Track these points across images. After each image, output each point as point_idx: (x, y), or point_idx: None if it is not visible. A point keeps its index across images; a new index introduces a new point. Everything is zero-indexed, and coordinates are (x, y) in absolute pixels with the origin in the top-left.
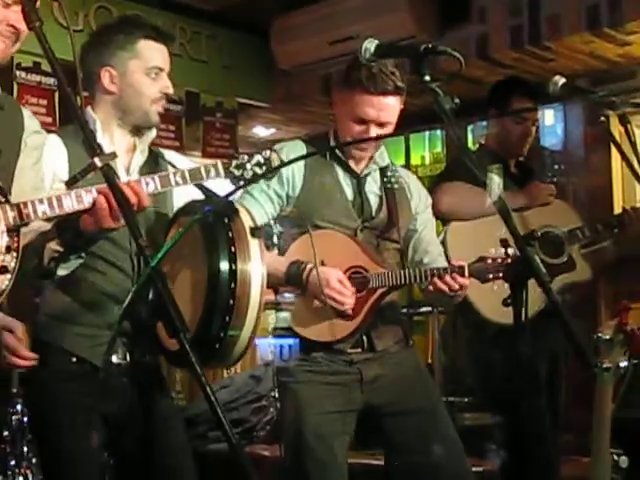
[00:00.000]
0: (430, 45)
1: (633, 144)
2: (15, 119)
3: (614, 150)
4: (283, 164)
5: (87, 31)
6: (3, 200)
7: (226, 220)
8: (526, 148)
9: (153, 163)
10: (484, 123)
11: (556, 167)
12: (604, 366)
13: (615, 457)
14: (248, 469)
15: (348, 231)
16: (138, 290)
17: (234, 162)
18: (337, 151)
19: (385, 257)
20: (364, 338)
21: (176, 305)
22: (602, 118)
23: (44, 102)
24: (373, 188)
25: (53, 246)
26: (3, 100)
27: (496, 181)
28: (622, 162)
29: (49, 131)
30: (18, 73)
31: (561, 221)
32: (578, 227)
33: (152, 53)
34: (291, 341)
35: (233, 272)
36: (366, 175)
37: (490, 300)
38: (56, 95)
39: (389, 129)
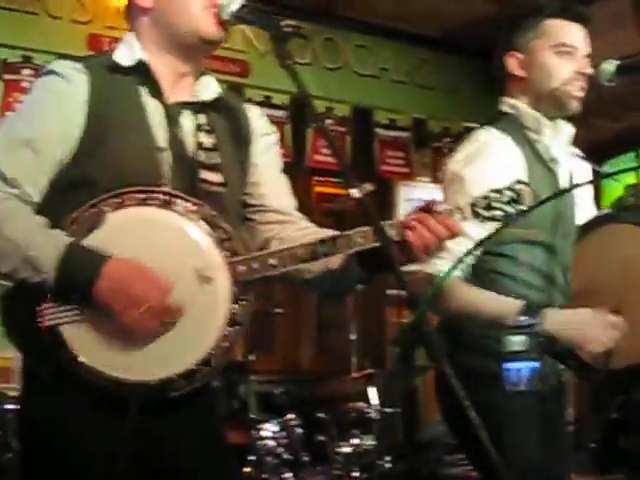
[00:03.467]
0: None
1: None
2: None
3: None
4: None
5: (314, 64)
6: (232, 253)
7: None
8: None
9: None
10: None
11: None
12: None
13: None
14: None
15: None
16: (420, 316)
17: (483, 201)
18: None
19: None
20: None
21: (434, 332)
22: None
23: None
24: None
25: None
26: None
27: None
28: None
29: None
30: None
31: None
32: None
33: (559, 29)
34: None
35: None
36: None
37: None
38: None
39: None
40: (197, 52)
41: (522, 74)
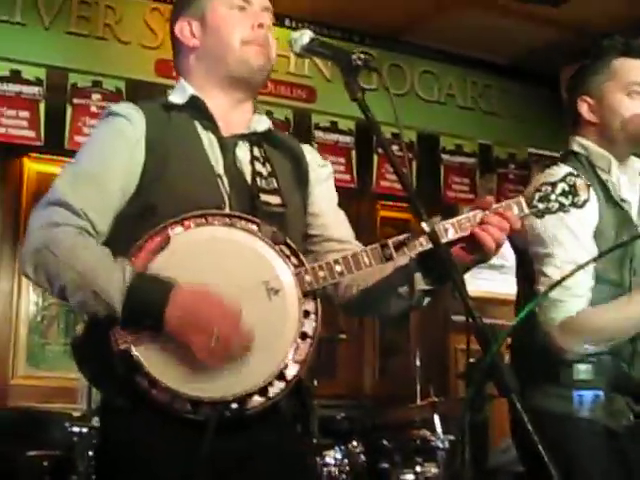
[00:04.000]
0: None
1: None
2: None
3: None
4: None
5: (380, 89)
6: (298, 264)
7: None
8: None
9: None
10: None
11: None
12: None
13: None
14: None
15: None
16: (495, 351)
17: (537, 195)
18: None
19: None
20: None
21: (506, 367)
22: None
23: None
24: None
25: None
26: (279, 139)
27: None
28: None
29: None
30: None
31: None
32: None
33: (629, 69)
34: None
35: None
36: None
37: None
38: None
39: None
40: (248, 81)
41: (594, 119)
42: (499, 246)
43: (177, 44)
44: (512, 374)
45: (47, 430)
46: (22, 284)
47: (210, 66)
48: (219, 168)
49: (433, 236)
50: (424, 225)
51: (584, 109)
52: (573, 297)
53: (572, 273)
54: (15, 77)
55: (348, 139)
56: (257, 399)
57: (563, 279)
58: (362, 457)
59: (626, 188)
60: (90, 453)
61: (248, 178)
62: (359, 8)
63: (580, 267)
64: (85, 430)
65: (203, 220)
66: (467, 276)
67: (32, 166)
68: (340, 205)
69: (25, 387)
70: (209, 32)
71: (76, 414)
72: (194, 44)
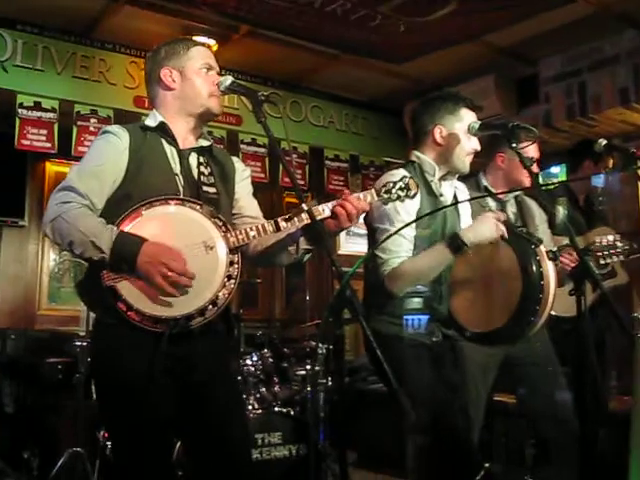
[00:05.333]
0: (517, 123)
1: None
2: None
3: None
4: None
5: (284, 118)
6: (225, 230)
7: (533, 246)
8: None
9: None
10: (552, 170)
11: (601, 199)
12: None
13: None
14: (405, 404)
15: None
16: (343, 288)
17: (383, 189)
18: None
19: None
20: None
21: (357, 297)
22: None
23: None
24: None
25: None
26: (217, 152)
27: (561, 210)
28: None
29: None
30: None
31: None
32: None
33: (468, 119)
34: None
35: (540, 273)
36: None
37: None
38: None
39: None
40: (206, 119)
41: (442, 142)
42: (355, 218)
43: (158, 82)
44: (359, 303)
45: (61, 344)
46: (45, 247)
47: (184, 105)
48: (177, 170)
49: (310, 213)
50: (303, 206)
51: (437, 134)
52: (395, 258)
53: (388, 237)
54: (37, 106)
55: (263, 150)
56: (198, 318)
57: (383, 240)
58: (270, 360)
59: (445, 186)
60: (88, 359)
61: (195, 176)
62: (273, 63)
63: (395, 232)
64: (85, 344)
65: (164, 202)
66: (344, 241)
67: (52, 167)
68: (257, 194)
69: (47, 316)
70: (186, 81)
71: (81, 333)
72: (173, 86)
